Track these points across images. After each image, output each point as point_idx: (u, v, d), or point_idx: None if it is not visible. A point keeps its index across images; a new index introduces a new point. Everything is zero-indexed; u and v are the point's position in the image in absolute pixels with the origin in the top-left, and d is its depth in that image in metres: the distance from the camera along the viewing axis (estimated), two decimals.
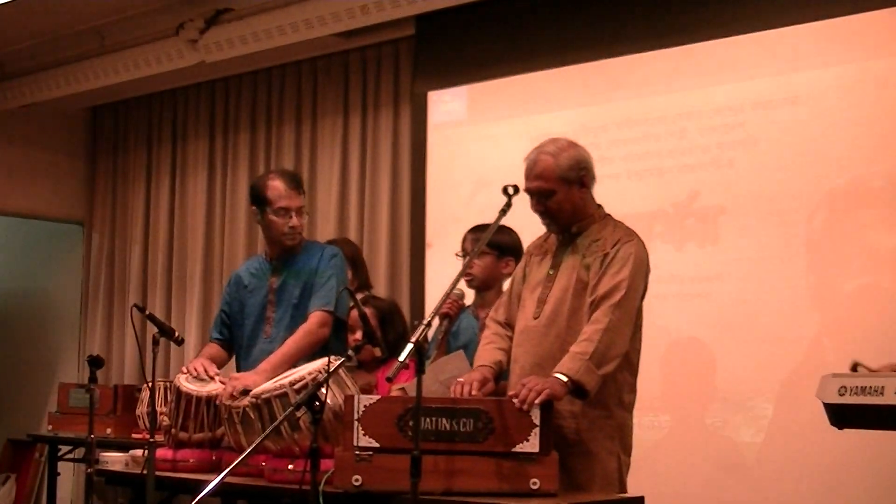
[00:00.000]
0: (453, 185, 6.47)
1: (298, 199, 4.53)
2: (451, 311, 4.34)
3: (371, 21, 6.51)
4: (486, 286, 4.40)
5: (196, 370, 4.35)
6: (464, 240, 4.47)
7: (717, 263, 5.33)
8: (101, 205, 8.85)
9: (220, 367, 4.49)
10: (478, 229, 4.42)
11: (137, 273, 8.42)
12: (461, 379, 3.61)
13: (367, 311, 4.55)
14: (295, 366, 4.21)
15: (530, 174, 3.69)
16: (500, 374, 3.73)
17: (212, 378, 4.32)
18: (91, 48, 7.66)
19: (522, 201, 3.72)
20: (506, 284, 4.28)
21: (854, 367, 3.13)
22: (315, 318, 4.39)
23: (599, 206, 3.79)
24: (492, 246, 4.23)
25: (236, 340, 4.67)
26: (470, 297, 4.50)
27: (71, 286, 8.99)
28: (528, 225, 3.99)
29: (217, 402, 4.15)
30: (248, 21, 6.93)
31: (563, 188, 3.66)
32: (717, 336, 5.29)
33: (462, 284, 4.17)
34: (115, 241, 8.69)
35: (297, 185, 4.56)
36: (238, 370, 4.56)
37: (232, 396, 4.02)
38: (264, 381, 4.08)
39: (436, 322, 4.28)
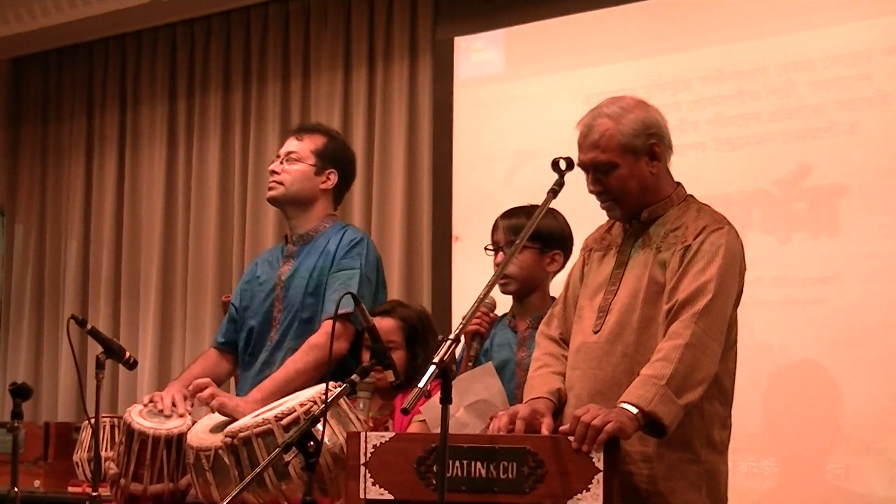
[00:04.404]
0: (488, 160, 6.49)
1: (291, 143, 4.74)
2: (482, 327, 4.34)
3: None
4: (526, 290, 4.39)
5: (163, 400, 4.35)
6: (495, 228, 4.44)
7: (836, 260, 5.34)
8: (26, 187, 8.89)
9: (220, 384, 4.50)
10: (512, 214, 4.40)
11: (75, 275, 8.48)
12: (502, 412, 3.61)
13: (390, 322, 4.57)
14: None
15: (585, 143, 3.70)
16: (560, 406, 3.73)
17: (181, 415, 4.33)
18: None
19: (577, 181, 3.74)
20: (553, 286, 4.28)
21: None
22: (328, 327, 4.38)
23: (678, 184, 3.79)
24: (532, 237, 4.20)
25: (241, 344, 4.74)
26: (504, 303, 4.49)
27: None
28: (582, 211, 4.01)
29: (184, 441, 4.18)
30: None
31: (627, 161, 3.66)
32: (837, 356, 5.30)
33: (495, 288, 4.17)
34: (46, 234, 8.74)
35: (300, 130, 4.81)
36: (239, 383, 4.59)
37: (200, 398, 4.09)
38: (250, 411, 4.10)
39: (464, 339, 4.30)
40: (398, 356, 4.47)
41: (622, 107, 3.70)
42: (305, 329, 4.50)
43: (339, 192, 4.80)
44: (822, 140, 5.43)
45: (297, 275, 4.62)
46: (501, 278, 4.24)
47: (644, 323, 3.59)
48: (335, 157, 4.76)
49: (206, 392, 4.18)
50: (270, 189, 4.70)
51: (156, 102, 8.19)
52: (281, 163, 4.68)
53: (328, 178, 4.71)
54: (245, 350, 4.71)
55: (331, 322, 4.26)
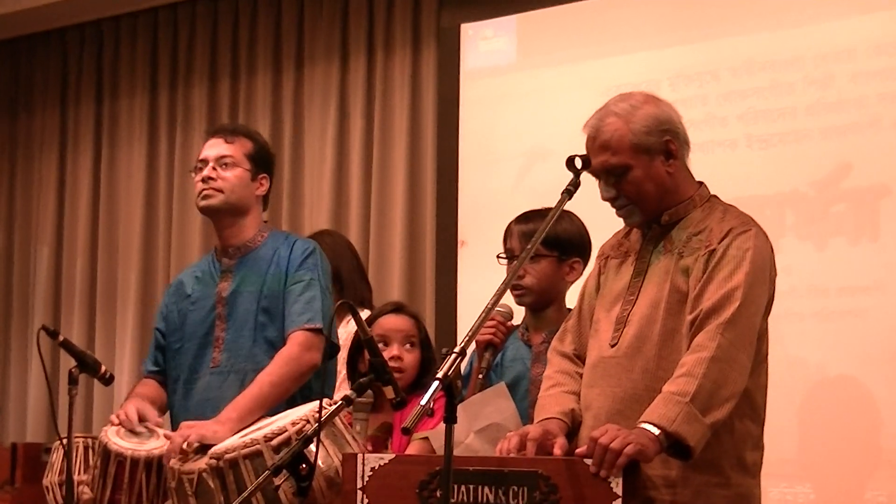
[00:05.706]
0: (497, 158, 6.49)
1: (221, 146, 4.65)
2: (496, 337, 4.33)
3: None
4: (542, 302, 4.40)
5: (130, 419, 4.37)
6: (508, 234, 4.45)
7: (877, 268, 5.35)
8: None
9: (161, 412, 4.53)
10: (528, 219, 4.41)
11: (47, 283, 8.48)
12: (511, 432, 3.60)
13: (405, 320, 4.58)
14: (273, 412, 4.24)
15: (594, 146, 3.69)
16: (574, 428, 3.72)
17: (153, 430, 4.34)
18: None
19: (594, 181, 3.73)
20: (570, 297, 4.28)
21: None
22: (298, 339, 4.40)
23: (700, 183, 3.79)
24: (550, 244, 4.21)
25: (171, 372, 4.71)
26: (519, 312, 4.49)
27: None
28: (599, 215, 4.00)
29: (165, 463, 4.18)
30: None
31: (640, 161, 3.65)
32: (878, 372, 5.30)
33: (509, 298, 4.16)
34: (15, 238, 8.75)
35: (225, 132, 4.71)
36: (174, 413, 4.59)
37: (183, 453, 4.06)
38: (229, 433, 4.10)
39: (472, 352, 4.29)
40: (414, 356, 4.49)
41: (630, 103, 3.69)
42: (259, 349, 4.51)
43: (267, 199, 4.79)
44: (864, 137, 5.43)
45: (243, 290, 4.60)
46: (517, 289, 4.27)
47: (666, 335, 3.58)
48: (266, 161, 4.75)
49: (180, 434, 4.17)
50: (206, 197, 4.61)
51: (135, 94, 8.20)
52: (214, 168, 4.61)
53: (261, 184, 4.69)
54: (179, 377, 4.66)
55: (301, 333, 4.40)
